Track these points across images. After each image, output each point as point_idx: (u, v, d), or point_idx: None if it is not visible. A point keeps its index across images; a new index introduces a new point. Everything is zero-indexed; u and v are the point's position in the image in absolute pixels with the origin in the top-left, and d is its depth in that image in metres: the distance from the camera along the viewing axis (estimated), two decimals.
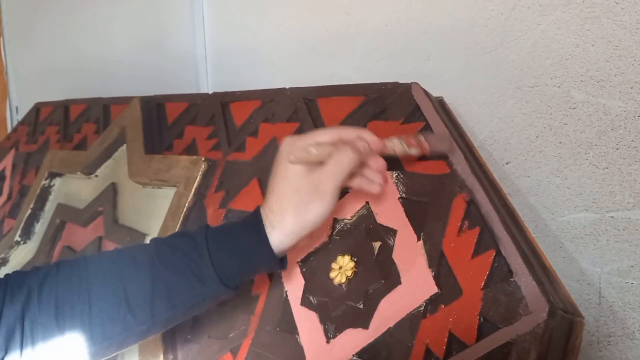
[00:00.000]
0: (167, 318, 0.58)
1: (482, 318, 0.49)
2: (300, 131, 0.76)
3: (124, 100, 1.08)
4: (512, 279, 0.49)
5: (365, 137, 0.57)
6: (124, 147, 1.02)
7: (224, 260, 0.57)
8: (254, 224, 0.58)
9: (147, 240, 0.88)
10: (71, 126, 1.24)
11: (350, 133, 0.58)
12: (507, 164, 0.69)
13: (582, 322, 0.50)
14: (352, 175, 0.57)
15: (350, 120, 0.71)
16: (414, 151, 0.58)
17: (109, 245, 0.95)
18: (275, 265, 0.59)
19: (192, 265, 0.57)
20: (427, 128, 0.62)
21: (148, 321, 0.57)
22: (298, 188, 0.56)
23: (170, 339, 0.76)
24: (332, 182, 0.55)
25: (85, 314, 0.56)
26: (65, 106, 1.30)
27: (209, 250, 0.57)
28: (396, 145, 0.58)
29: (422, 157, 0.60)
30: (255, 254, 0.57)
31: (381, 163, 0.58)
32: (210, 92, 0.97)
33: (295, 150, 0.56)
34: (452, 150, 0.58)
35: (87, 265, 0.59)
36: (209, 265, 0.56)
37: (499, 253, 0.51)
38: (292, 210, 0.56)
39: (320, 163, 0.56)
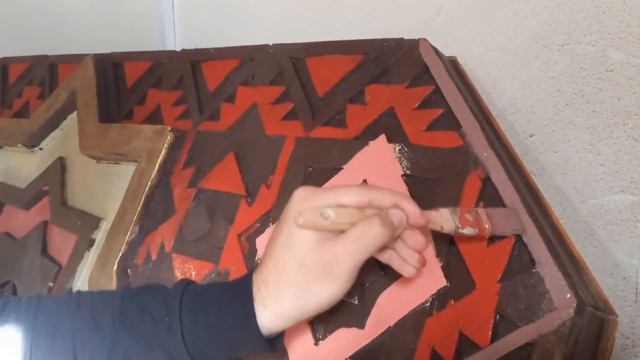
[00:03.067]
0: None
1: (498, 315, 0.50)
2: (286, 95, 0.76)
3: (74, 59, 1.07)
4: (534, 270, 0.49)
5: (404, 206, 0.51)
6: (74, 114, 1.01)
7: (199, 337, 0.54)
8: (241, 297, 0.53)
9: (102, 226, 0.88)
10: (10, 89, 1.23)
11: (385, 198, 0.51)
12: (531, 136, 0.69)
13: (616, 321, 0.50)
14: (382, 247, 0.52)
15: (346, 82, 0.71)
16: (469, 231, 0.51)
17: (56, 232, 0.95)
18: (263, 349, 0.54)
19: (160, 336, 0.54)
20: (437, 92, 0.62)
21: None
22: (304, 262, 0.50)
23: None
24: (349, 263, 0.49)
25: None
26: (2, 65, 1.29)
27: (181, 323, 0.53)
28: (445, 221, 0.51)
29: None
30: (238, 335, 0.53)
31: (420, 241, 0.51)
32: (178, 49, 0.96)
33: (305, 211, 0.50)
34: (524, 232, 0.52)
35: (37, 312, 0.57)
36: (180, 341, 0.53)
37: (519, 240, 0.51)
38: (291, 290, 0.51)
39: (338, 231, 0.51)
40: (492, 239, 0.52)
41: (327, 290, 0.50)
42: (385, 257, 0.54)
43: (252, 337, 0.53)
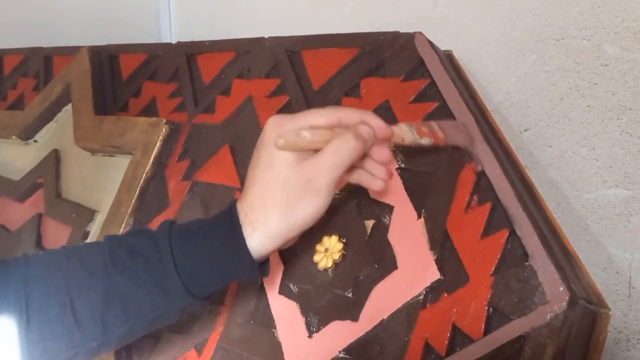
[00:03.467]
0: (122, 334, 0.57)
1: (491, 308, 0.50)
2: (281, 89, 0.76)
3: (70, 51, 1.07)
4: (527, 263, 0.49)
5: (370, 121, 0.54)
6: (69, 107, 1.01)
7: (192, 266, 0.55)
8: (229, 224, 0.56)
9: (97, 219, 0.88)
10: (5, 81, 1.23)
11: (352, 116, 0.55)
12: (525, 131, 0.69)
13: (608, 315, 0.51)
14: (350, 167, 0.55)
15: (341, 76, 0.71)
16: (426, 141, 0.56)
17: (50, 224, 0.95)
18: (254, 273, 0.57)
19: (153, 272, 0.55)
20: (432, 86, 0.62)
21: (99, 338, 0.56)
22: (287, 181, 0.53)
23: None
24: (328, 175, 0.53)
25: (22, 327, 0.54)
26: None
27: (173, 256, 0.55)
28: (405, 133, 0.55)
29: (436, 149, 0.59)
30: (231, 261, 0.55)
31: (386, 154, 0.55)
32: (174, 41, 0.96)
33: (284, 133, 0.53)
34: (472, 143, 0.57)
35: (27, 269, 0.57)
36: (173, 274, 0.55)
37: (512, 233, 0.51)
38: (278, 208, 0.54)
39: (314, 151, 0.54)
40: (486, 233, 0.53)
41: (311, 206, 0.53)
42: (355, 177, 0.57)
43: (244, 262, 0.55)
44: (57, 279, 0.56)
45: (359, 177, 0.57)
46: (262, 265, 0.58)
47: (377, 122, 0.54)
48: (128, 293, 0.55)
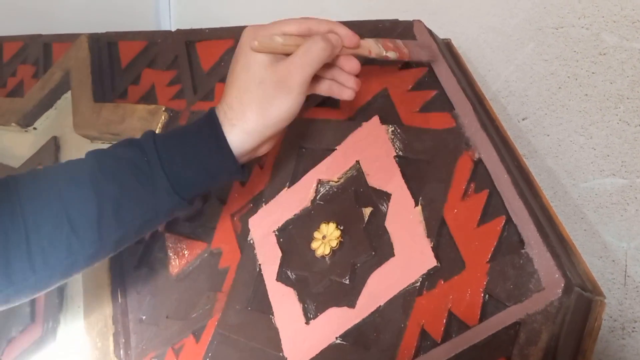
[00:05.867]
0: (117, 239, 0.60)
1: (487, 295, 0.50)
2: None
3: (69, 38, 1.07)
4: (523, 251, 0.49)
5: (338, 30, 0.58)
6: (69, 94, 1.01)
7: (177, 166, 0.59)
8: (209, 123, 0.59)
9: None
10: (4, 68, 1.22)
11: (321, 25, 0.58)
12: (523, 119, 0.69)
13: (603, 302, 0.51)
14: (320, 80, 0.61)
15: None
16: (392, 55, 0.60)
17: None
18: (235, 171, 0.60)
19: (141, 175, 0.58)
20: (431, 75, 0.62)
21: (95, 243, 0.58)
22: (262, 80, 0.57)
23: (121, 319, 0.76)
24: (300, 74, 0.56)
25: (22, 241, 0.57)
26: None
27: (159, 156, 0.59)
28: (372, 46, 0.59)
29: (402, 65, 0.63)
30: (214, 157, 0.59)
31: (354, 64, 0.59)
32: (173, 29, 0.96)
33: (260, 37, 0.57)
34: (434, 58, 0.62)
35: (17, 188, 0.59)
36: (161, 174, 0.58)
37: (509, 220, 0.51)
38: (255, 105, 0.57)
39: (286, 55, 0.58)
40: (483, 220, 0.53)
41: (284, 102, 0.57)
42: (325, 88, 0.61)
43: (226, 158, 0.59)
44: (49, 193, 0.59)
45: (330, 88, 0.61)
46: (242, 168, 0.62)
47: (344, 31, 0.58)
48: (119, 198, 0.58)
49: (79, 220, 0.57)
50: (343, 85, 0.61)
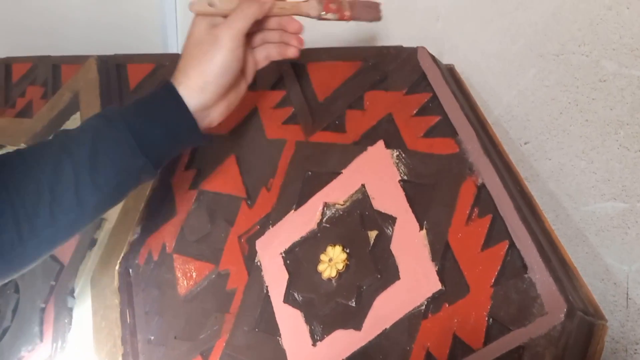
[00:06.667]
0: (95, 203, 0.64)
1: (491, 319, 0.51)
2: (286, 100, 0.77)
3: (78, 60, 1.08)
4: (526, 275, 0.50)
5: None
6: (77, 115, 1.02)
7: (140, 125, 0.64)
8: (164, 87, 0.66)
9: (104, 226, 0.89)
10: (13, 89, 1.23)
11: None
12: (525, 144, 0.70)
13: (605, 326, 0.52)
14: (269, 46, 0.70)
15: (345, 88, 0.72)
16: (331, 16, 0.65)
17: None
18: (193, 128, 0.66)
19: (109, 140, 0.63)
20: (435, 101, 0.64)
21: (75, 208, 0.63)
22: (200, 41, 0.65)
23: (130, 340, 0.77)
24: (232, 29, 0.64)
25: (7, 210, 0.60)
26: (5, 65, 1.29)
27: (124, 120, 0.64)
28: (312, 9, 0.66)
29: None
30: (171, 112, 0.65)
31: (297, 25, 0.68)
32: (180, 52, 0.97)
33: (197, 2, 0.65)
34: (377, 19, 0.67)
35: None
36: (128, 136, 0.63)
37: (512, 245, 0.52)
38: (195, 63, 0.65)
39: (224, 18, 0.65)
40: (487, 244, 0.54)
41: (217, 57, 0.64)
42: (274, 52, 0.71)
43: (182, 113, 0.65)
44: (29, 167, 0.63)
45: (278, 50, 0.70)
46: (205, 136, 0.69)
47: None
48: (93, 164, 0.62)
49: (58, 187, 0.62)
50: (288, 45, 0.69)
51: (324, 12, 0.65)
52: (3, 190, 0.61)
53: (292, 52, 0.70)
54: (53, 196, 0.61)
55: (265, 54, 0.71)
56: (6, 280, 0.65)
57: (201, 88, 0.65)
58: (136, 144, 0.63)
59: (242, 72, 0.69)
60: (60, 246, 0.66)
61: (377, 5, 0.68)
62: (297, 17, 0.69)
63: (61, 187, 0.62)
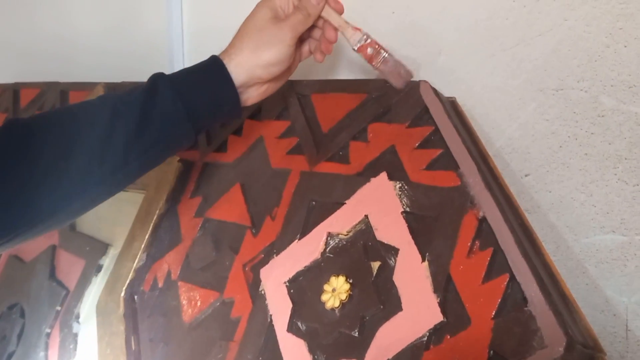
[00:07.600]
0: (139, 166, 0.67)
1: (492, 351, 0.51)
2: (291, 130, 0.78)
3: (86, 87, 1.10)
4: (526, 308, 0.51)
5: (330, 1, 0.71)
6: None
7: (189, 94, 0.67)
8: (212, 60, 0.70)
9: (110, 252, 0.90)
10: (22, 114, 1.25)
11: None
12: (526, 176, 0.71)
13: (604, 359, 0.52)
14: (312, 42, 0.75)
15: (349, 120, 0.73)
16: (362, 56, 0.70)
17: (64, 256, 0.97)
18: (235, 101, 0.70)
19: (158, 105, 0.66)
20: (436, 133, 0.65)
21: (121, 169, 0.65)
22: (261, 28, 0.69)
23: None
24: (291, 30, 0.69)
25: (59, 171, 0.63)
26: (14, 90, 1.31)
27: (173, 87, 0.66)
28: (352, 37, 0.70)
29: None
30: (217, 85, 0.69)
31: (333, 35, 0.72)
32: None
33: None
34: (399, 87, 0.70)
35: (34, 130, 0.64)
36: (177, 102, 0.66)
37: (512, 278, 0.53)
38: (251, 45, 0.69)
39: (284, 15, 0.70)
40: (488, 277, 0.55)
41: (275, 48, 0.69)
42: (306, 50, 0.75)
43: (227, 86, 0.69)
44: (79, 128, 0.65)
45: (311, 47, 0.75)
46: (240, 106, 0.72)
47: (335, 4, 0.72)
48: (141, 128, 0.65)
49: (109, 149, 0.64)
50: (320, 50, 0.74)
51: (356, 49, 0.70)
52: (55, 148, 0.63)
53: (319, 58, 0.74)
54: (103, 157, 0.64)
55: (308, 48, 0.75)
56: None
57: (251, 68, 0.69)
58: (186, 112, 0.66)
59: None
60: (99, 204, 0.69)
61: (409, 75, 0.70)
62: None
63: (111, 148, 0.64)
